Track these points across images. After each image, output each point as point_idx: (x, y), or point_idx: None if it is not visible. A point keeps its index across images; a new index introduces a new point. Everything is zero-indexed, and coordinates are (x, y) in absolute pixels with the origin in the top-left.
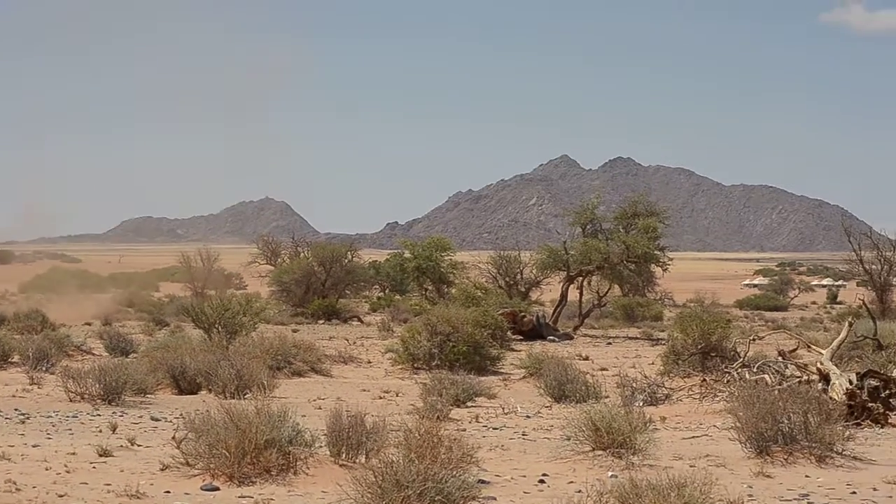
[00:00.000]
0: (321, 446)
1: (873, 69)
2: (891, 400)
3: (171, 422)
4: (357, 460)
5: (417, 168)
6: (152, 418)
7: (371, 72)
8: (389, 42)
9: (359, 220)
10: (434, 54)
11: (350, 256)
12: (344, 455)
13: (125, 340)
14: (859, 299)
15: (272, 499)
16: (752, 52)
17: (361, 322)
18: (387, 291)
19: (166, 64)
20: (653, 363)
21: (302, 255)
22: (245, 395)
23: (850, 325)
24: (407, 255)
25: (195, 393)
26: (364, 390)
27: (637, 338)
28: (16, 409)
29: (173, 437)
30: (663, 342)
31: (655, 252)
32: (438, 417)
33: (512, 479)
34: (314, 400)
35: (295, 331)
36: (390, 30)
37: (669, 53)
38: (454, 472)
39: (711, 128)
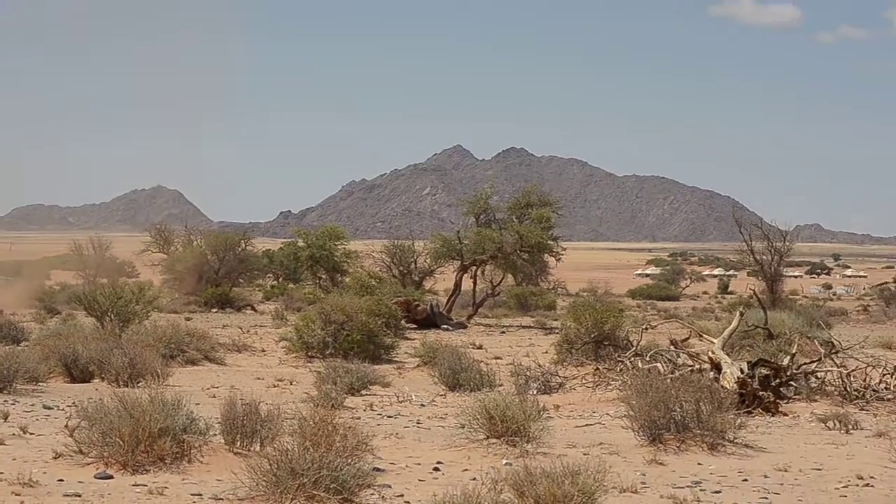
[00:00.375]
0: (215, 434)
1: (763, 61)
2: (781, 388)
3: (63, 410)
4: (252, 448)
5: (311, 157)
6: (44, 407)
7: (269, 63)
8: (286, 35)
9: (252, 209)
10: (328, 47)
11: (243, 245)
12: (238, 443)
13: (16, 328)
14: (750, 289)
15: (166, 487)
16: (643, 44)
17: (255, 311)
18: (280, 280)
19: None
20: (546, 352)
21: (195, 243)
22: (138, 383)
23: (741, 314)
24: (300, 244)
25: (88, 381)
26: (258, 379)
27: (531, 327)
28: None
29: (66, 426)
30: (557, 331)
31: (548, 242)
32: (332, 406)
33: (407, 466)
34: (208, 388)
35: (188, 319)
36: (286, 24)
37: (562, 44)
38: (349, 460)
39: (604, 118)
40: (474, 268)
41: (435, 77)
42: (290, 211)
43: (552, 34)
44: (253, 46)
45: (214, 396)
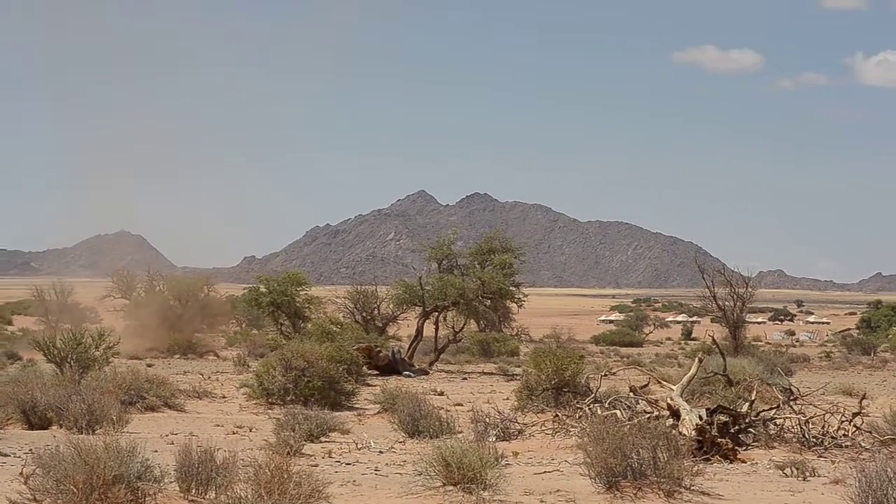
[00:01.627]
0: (171, 482)
1: (726, 107)
2: (740, 435)
3: (20, 457)
4: (207, 496)
5: (275, 202)
6: (1, 454)
7: (224, 103)
8: (244, 75)
9: (216, 254)
10: (290, 88)
11: (206, 290)
12: (193, 490)
13: None
14: (709, 335)
15: None
16: (609, 89)
17: (217, 357)
18: (243, 326)
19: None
20: (507, 398)
21: (157, 288)
22: (96, 430)
23: (700, 360)
24: (262, 289)
25: (46, 428)
26: (218, 425)
27: (493, 373)
28: None
29: (21, 473)
30: (518, 378)
31: (510, 288)
32: (289, 452)
33: None
34: (167, 435)
35: (150, 365)
36: (243, 61)
37: (528, 88)
38: None
39: (568, 164)
40: (436, 314)
41: (399, 122)
42: (254, 256)
43: (517, 78)
44: (212, 90)
45: (172, 443)
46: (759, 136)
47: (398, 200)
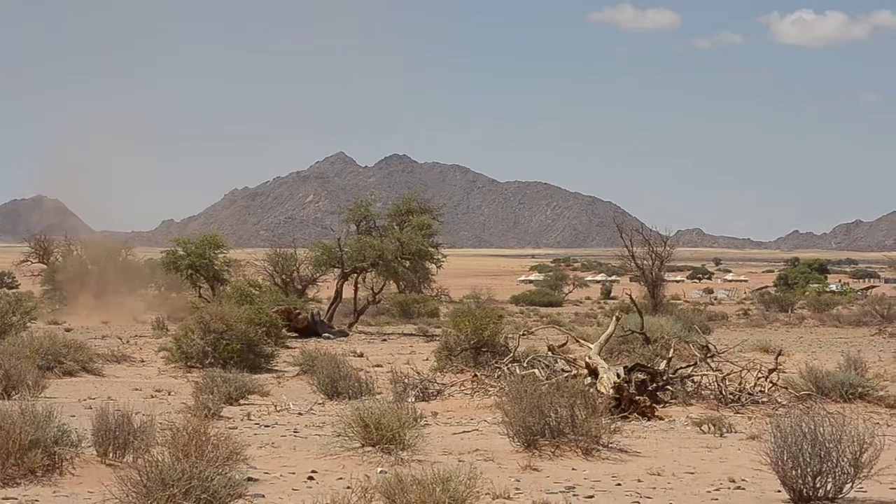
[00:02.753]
0: (88, 446)
1: (642, 66)
2: (657, 393)
3: None
4: (124, 460)
5: (193, 165)
6: None
7: (148, 70)
8: (167, 41)
9: (134, 218)
10: (209, 51)
11: (124, 254)
12: (111, 454)
13: None
14: (626, 294)
15: (37, 500)
16: (524, 49)
17: (136, 320)
18: (162, 290)
19: None
20: (427, 359)
21: (75, 253)
22: (12, 395)
23: (618, 319)
24: (180, 252)
25: None
26: (136, 389)
27: (412, 334)
28: None
29: None
30: (438, 338)
31: (429, 249)
32: (207, 415)
33: (281, 476)
34: (84, 399)
35: (68, 330)
36: (168, 27)
37: (444, 48)
38: (221, 470)
39: (486, 124)
40: (355, 275)
41: (317, 83)
42: (172, 220)
43: (434, 39)
44: (130, 52)
45: (90, 408)
46: (676, 95)
47: (317, 162)
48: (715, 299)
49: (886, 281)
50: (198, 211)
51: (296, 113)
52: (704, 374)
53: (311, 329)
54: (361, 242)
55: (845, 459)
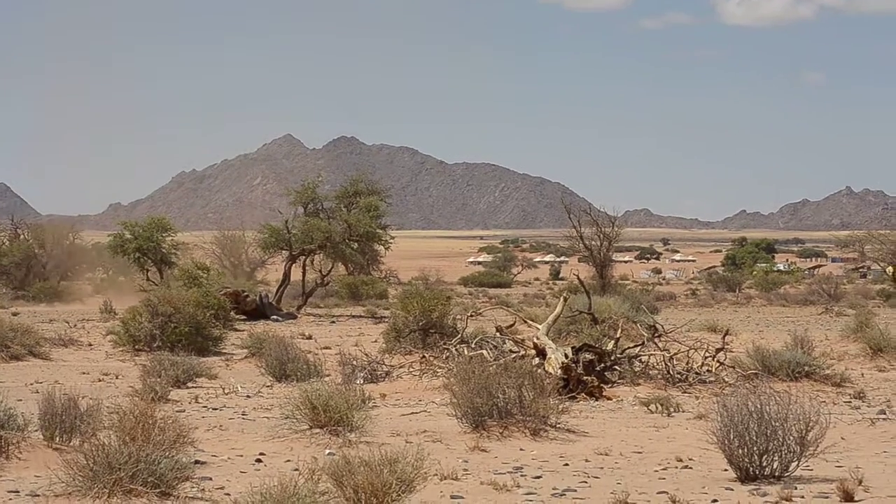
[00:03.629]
0: (35, 430)
1: (590, 47)
2: (605, 373)
3: None
4: (71, 444)
5: (140, 147)
6: None
7: (95, 51)
8: (114, 22)
9: (81, 202)
10: (156, 33)
11: (72, 238)
12: (58, 438)
13: None
14: (574, 274)
15: None
16: (471, 30)
17: (83, 304)
18: (110, 273)
19: None
20: (376, 341)
21: (22, 236)
22: None
23: (565, 299)
24: (127, 235)
25: None
26: (84, 373)
27: (361, 316)
28: None
29: None
30: (386, 320)
31: (377, 230)
32: (155, 398)
33: (229, 458)
34: (31, 384)
35: (15, 314)
36: (117, 7)
37: (390, 30)
38: (168, 454)
39: (434, 106)
40: (303, 258)
41: (263, 65)
42: (119, 203)
43: (380, 20)
44: (78, 34)
45: (37, 392)
46: (623, 76)
47: (264, 145)
48: (663, 279)
49: (833, 260)
50: (145, 194)
51: (243, 95)
52: (652, 354)
53: (259, 312)
54: (309, 225)
55: (791, 438)
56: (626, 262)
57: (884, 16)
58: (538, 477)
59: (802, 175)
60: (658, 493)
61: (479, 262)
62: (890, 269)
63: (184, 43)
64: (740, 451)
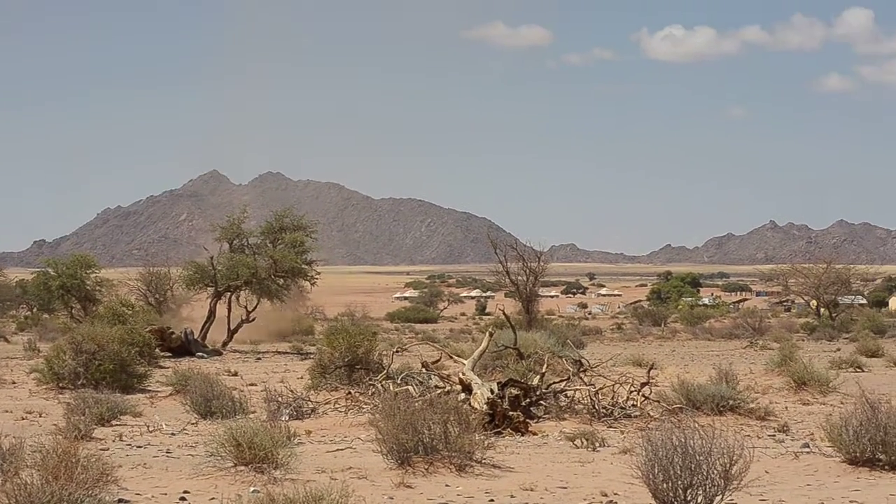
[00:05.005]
0: None
1: (515, 83)
2: (531, 408)
3: None
4: None
5: (65, 184)
6: None
7: (21, 86)
8: (37, 54)
9: (5, 239)
10: (80, 69)
11: None
12: None
13: None
14: (500, 310)
15: None
16: (397, 67)
17: (7, 342)
18: (34, 311)
19: None
20: (301, 377)
21: None
22: None
23: (491, 335)
24: (52, 273)
25: None
26: (7, 411)
27: (287, 352)
28: None
29: None
30: (312, 356)
31: (303, 266)
32: (78, 437)
33: (153, 497)
34: None
35: None
36: (34, 38)
37: (318, 67)
38: (91, 492)
39: (360, 143)
40: (229, 294)
41: (189, 100)
42: (44, 240)
43: (306, 56)
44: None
45: None
46: (548, 111)
47: (190, 181)
48: (589, 314)
49: (758, 294)
50: (70, 231)
51: (168, 129)
52: (577, 389)
53: (184, 348)
54: (234, 261)
55: (715, 472)
56: (552, 296)
57: (805, 52)
58: None
59: (727, 209)
60: None
61: (406, 298)
62: (814, 302)
63: (109, 79)
64: (665, 485)
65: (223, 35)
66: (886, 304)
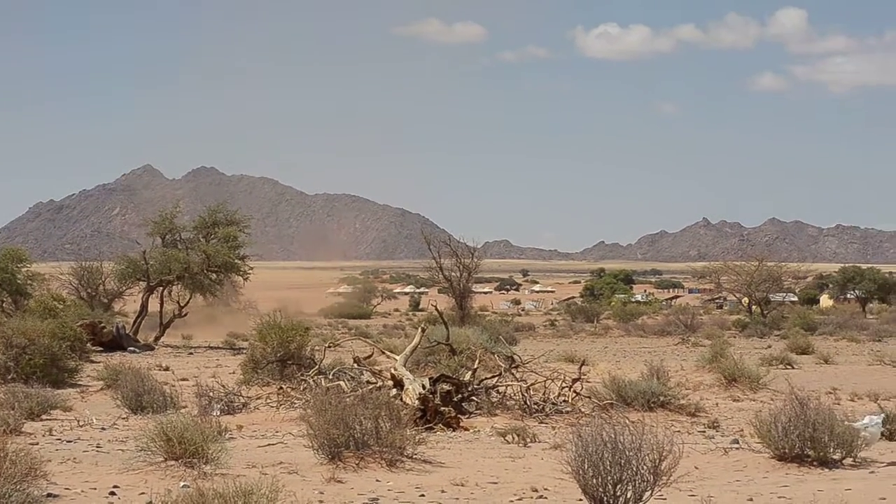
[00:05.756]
0: None
1: (449, 79)
2: (463, 403)
3: None
4: None
5: None
6: None
7: None
8: None
9: None
10: (7, 59)
11: None
12: None
13: None
14: (431, 305)
15: None
16: (330, 63)
17: None
18: None
19: None
20: (233, 372)
21: None
22: None
23: (423, 330)
24: None
25: None
26: None
27: (220, 347)
28: None
29: None
30: (245, 351)
31: (236, 261)
32: (6, 431)
33: (82, 491)
34: None
35: None
36: None
37: (246, 61)
38: (19, 487)
39: (295, 138)
40: (161, 289)
41: (121, 94)
42: None
43: (241, 50)
44: None
45: None
46: (483, 108)
47: (123, 175)
48: (522, 310)
49: (690, 291)
50: (1, 224)
51: (102, 125)
52: (509, 385)
53: (116, 343)
54: (167, 255)
55: (645, 467)
56: (485, 293)
57: (739, 51)
58: None
59: (661, 207)
60: None
61: (339, 293)
62: (746, 299)
63: (41, 73)
64: (594, 480)
65: (157, 30)
66: (817, 302)
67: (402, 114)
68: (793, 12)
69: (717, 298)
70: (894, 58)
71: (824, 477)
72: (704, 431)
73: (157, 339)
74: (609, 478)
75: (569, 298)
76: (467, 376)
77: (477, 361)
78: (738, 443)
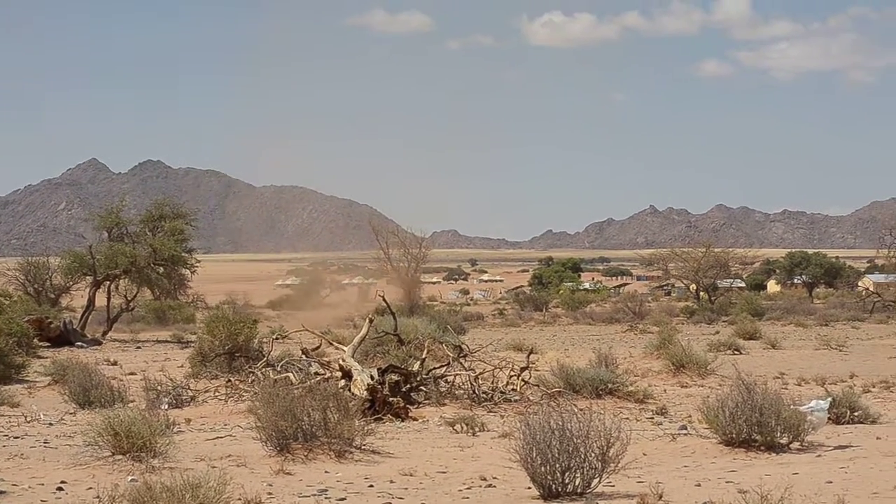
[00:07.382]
0: None
1: (396, 68)
2: (412, 393)
3: None
4: None
5: None
6: None
7: None
8: None
9: None
10: None
11: None
12: None
13: None
14: (378, 296)
15: None
16: (278, 54)
17: None
18: None
19: None
20: (182, 366)
21: None
22: None
23: (371, 321)
24: None
25: None
26: None
27: (168, 341)
28: None
29: None
30: (193, 345)
31: (183, 254)
32: None
33: (30, 487)
34: None
35: None
36: None
37: (196, 51)
38: None
39: (240, 129)
40: (108, 283)
41: (66, 89)
42: None
43: (188, 41)
44: None
45: None
46: (429, 97)
47: (69, 169)
48: (471, 300)
49: (638, 278)
50: None
51: (47, 119)
52: (458, 374)
53: (63, 338)
54: (113, 249)
55: (593, 454)
56: (434, 283)
57: (684, 37)
58: (342, 499)
59: (608, 195)
60: None
61: (288, 285)
62: (693, 286)
63: None
64: (543, 468)
65: (100, 24)
66: (765, 288)
67: (349, 105)
68: None
69: (664, 285)
70: (838, 43)
71: (772, 461)
72: (653, 418)
73: (105, 333)
74: (557, 465)
75: (517, 287)
76: (416, 366)
77: (425, 351)
78: (686, 429)
